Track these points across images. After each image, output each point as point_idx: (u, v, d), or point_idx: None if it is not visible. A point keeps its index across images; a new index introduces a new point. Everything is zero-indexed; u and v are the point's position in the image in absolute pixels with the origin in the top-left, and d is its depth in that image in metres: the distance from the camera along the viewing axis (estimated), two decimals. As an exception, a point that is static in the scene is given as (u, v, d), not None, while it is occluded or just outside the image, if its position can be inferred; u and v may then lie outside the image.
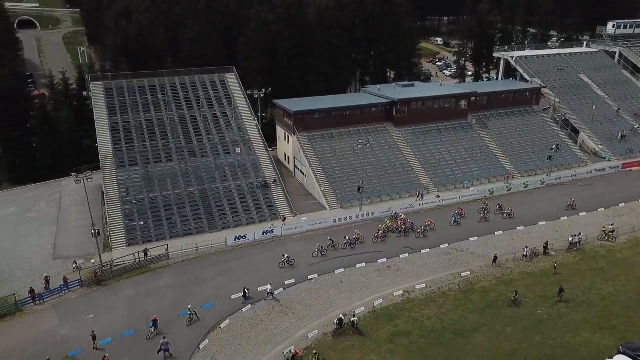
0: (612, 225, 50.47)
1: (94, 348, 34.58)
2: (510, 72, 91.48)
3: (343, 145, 62.82)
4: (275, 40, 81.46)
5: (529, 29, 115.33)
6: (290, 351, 33.96)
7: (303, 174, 62.19)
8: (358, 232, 48.89)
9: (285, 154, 67.75)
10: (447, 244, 48.33)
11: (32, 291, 39.62)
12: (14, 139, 71.89)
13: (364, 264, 45.12)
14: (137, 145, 58.54)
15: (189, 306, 37.63)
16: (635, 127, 75.20)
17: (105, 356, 33.35)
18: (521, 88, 77.78)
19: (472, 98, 71.03)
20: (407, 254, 46.81)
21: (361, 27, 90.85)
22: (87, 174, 41.64)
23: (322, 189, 57.51)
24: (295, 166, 64.81)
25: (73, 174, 42.30)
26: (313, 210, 55.84)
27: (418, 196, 57.54)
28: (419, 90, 73.64)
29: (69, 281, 41.30)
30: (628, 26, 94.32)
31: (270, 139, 67.03)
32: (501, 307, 39.40)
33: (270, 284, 40.45)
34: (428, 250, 47.50)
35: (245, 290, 39.76)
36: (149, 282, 42.44)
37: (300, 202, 57.58)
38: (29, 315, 38.47)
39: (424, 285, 42.00)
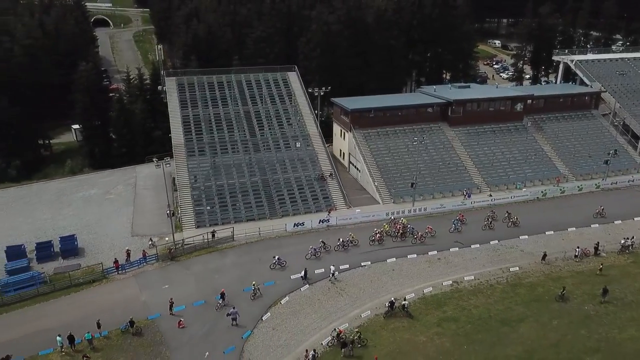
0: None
1: (170, 313, 38.92)
2: (569, 76, 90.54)
3: (397, 143, 65.18)
4: (334, 41, 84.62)
5: (591, 32, 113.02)
6: (335, 329, 36.84)
7: (357, 169, 65.02)
8: (352, 234, 49.32)
9: (340, 150, 70.81)
10: (497, 241, 49.83)
11: (116, 261, 44.64)
12: (94, 128, 78.85)
13: (415, 255, 47.46)
14: (206, 136, 63.22)
15: (253, 282, 41.41)
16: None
17: (181, 320, 37.79)
18: (580, 92, 77.22)
19: (528, 101, 71.49)
20: (457, 248, 48.75)
21: (418, 29, 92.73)
22: (166, 160, 46.30)
23: (376, 183, 60.13)
24: (350, 162, 67.74)
25: (154, 159, 47.08)
26: (366, 204, 58.57)
27: (465, 195, 59.06)
28: (475, 91, 74.80)
29: (147, 255, 46.16)
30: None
31: (326, 136, 70.19)
32: (548, 302, 40.81)
33: (333, 265, 43.65)
34: (478, 245, 49.21)
35: (306, 270, 43.12)
36: (216, 260, 46.61)
37: (354, 195, 60.40)
38: (114, 282, 43.43)
39: (473, 277, 43.96)
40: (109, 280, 43.75)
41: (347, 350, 35.00)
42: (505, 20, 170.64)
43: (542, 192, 60.86)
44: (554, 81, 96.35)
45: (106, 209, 56.98)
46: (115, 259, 44.87)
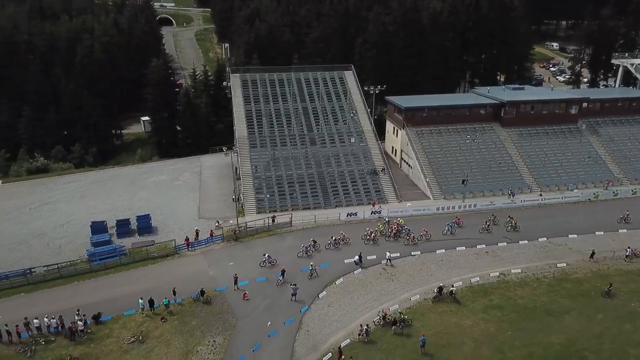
0: None
1: (235, 288, 42.95)
2: (630, 80, 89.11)
3: (449, 141, 67.07)
4: (390, 41, 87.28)
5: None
6: (381, 311, 39.60)
7: (409, 165, 67.41)
8: (343, 233, 50.32)
9: (392, 147, 73.35)
10: (545, 238, 51.11)
11: (187, 239, 49.30)
12: (162, 120, 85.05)
13: (464, 248, 49.55)
14: (266, 130, 67.41)
15: (311, 263, 44.92)
16: None
17: (245, 293, 41.75)
18: (638, 96, 76.24)
19: (584, 104, 71.49)
20: (505, 243, 50.43)
21: (474, 30, 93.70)
22: (234, 150, 50.57)
23: (427, 179, 62.35)
24: (401, 158, 70.18)
25: (224, 148, 51.49)
26: (417, 199, 60.88)
27: (509, 194, 60.29)
28: (529, 93, 75.44)
29: (214, 235, 50.62)
30: None
31: (378, 133, 72.79)
32: (594, 297, 42.04)
33: (389, 252, 46.64)
34: (526, 241, 50.66)
35: (361, 254, 46.22)
36: (275, 242, 50.44)
37: (405, 190, 62.76)
38: (184, 258, 48.05)
39: (520, 270, 45.67)
40: (180, 255, 48.42)
41: (396, 327, 37.85)
42: (564, 23, 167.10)
43: (594, 194, 61.22)
44: (613, 85, 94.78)
45: (175, 194, 62.10)
46: (186, 237, 49.53)
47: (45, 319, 37.53)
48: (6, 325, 36.68)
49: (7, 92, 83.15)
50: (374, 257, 47.14)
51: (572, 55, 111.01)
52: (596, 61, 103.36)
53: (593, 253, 47.37)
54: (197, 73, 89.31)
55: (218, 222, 53.29)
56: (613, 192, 61.74)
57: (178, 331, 38.21)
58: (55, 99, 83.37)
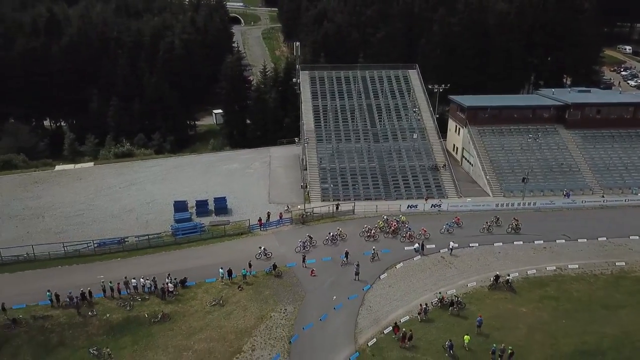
0: None
1: (303, 265, 46.98)
2: None
3: (511, 141, 68.31)
4: (454, 42, 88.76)
5: None
6: (439, 292, 42.27)
7: (470, 163, 69.20)
8: (340, 229, 51.80)
9: (454, 145, 75.25)
10: (605, 237, 51.82)
11: (260, 220, 53.98)
12: (234, 113, 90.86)
13: (522, 242, 51.23)
14: (332, 124, 71.26)
15: (373, 247, 48.28)
16: None
17: (313, 270, 45.72)
18: None
19: (654, 108, 70.51)
20: (563, 240, 51.63)
21: (540, 32, 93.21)
22: (306, 140, 54.69)
23: (488, 177, 64.03)
24: (462, 156, 72.02)
25: (295, 139, 55.70)
26: (476, 195, 62.75)
27: (564, 195, 60.84)
28: (595, 96, 75.07)
29: (283, 218, 55.02)
30: None
31: (440, 131, 74.76)
32: (652, 295, 42.86)
33: (453, 242, 49.24)
34: (585, 240, 51.63)
35: (422, 243, 49.11)
36: (339, 227, 54.05)
37: (465, 187, 64.77)
38: (257, 236, 52.72)
39: (577, 266, 46.93)
40: (253, 234, 53.16)
41: (453, 309, 40.54)
42: (639, 25, 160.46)
43: (659, 198, 60.80)
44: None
45: (247, 180, 67.19)
46: (259, 217, 54.19)
47: (142, 279, 43.14)
48: (110, 282, 42.56)
49: (98, 84, 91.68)
50: (433, 246, 49.83)
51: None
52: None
53: (654, 254, 47.86)
54: (267, 70, 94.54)
55: (287, 206, 57.68)
56: (679, 197, 60.99)
57: (253, 299, 42.68)
58: (139, 91, 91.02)
